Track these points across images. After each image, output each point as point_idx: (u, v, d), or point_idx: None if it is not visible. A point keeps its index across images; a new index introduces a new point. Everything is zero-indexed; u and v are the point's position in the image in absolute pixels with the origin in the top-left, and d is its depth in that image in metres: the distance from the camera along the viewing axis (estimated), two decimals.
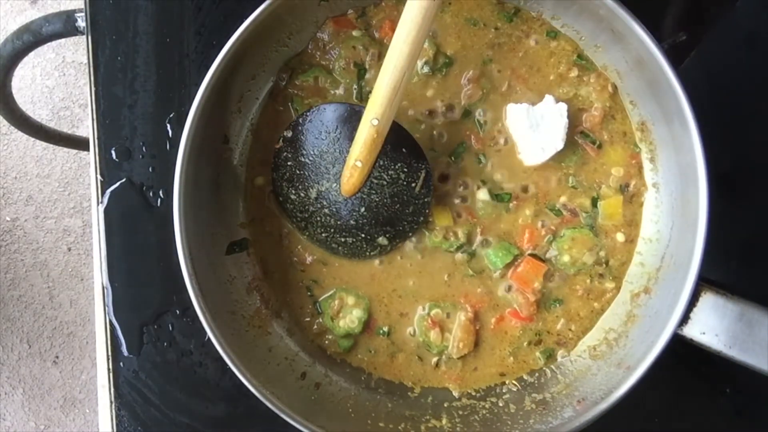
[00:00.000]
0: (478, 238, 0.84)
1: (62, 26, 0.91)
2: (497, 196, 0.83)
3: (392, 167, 0.80)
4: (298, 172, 0.82)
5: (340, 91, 0.84)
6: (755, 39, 0.93)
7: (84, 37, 0.88)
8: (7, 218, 2.06)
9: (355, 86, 0.84)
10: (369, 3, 0.84)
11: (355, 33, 0.84)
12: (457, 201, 0.84)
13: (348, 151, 0.78)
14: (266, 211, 0.86)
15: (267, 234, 0.85)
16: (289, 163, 0.83)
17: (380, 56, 0.83)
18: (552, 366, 0.84)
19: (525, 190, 0.84)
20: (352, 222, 0.82)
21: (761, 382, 0.72)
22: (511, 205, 0.84)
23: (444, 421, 0.81)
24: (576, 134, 0.84)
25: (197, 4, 0.88)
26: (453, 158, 0.84)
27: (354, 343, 0.85)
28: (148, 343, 0.87)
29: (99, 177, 0.87)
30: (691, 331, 0.72)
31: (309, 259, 0.85)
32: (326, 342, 0.85)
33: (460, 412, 0.82)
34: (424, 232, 0.84)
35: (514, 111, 0.82)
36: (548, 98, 0.81)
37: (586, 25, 0.80)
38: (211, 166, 0.81)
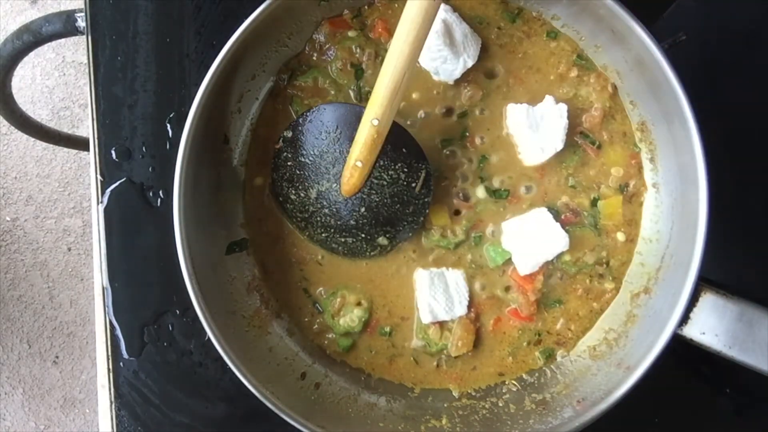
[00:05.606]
0: (476, 235, 0.84)
1: (62, 26, 0.91)
2: (495, 192, 0.83)
3: (392, 167, 0.79)
4: (298, 172, 0.82)
5: (339, 92, 0.84)
6: (755, 39, 0.93)
7: (84, 37, 0.88)
8: (7, 218, 2.06)
9: (353, 87, 0.84)
10: (364, 3, 0.84)
11: (350, 33, 0.84)
12: (455, 200, 0.84)
13: (348, 152, 0.78)
14: (266, 211, 0.86)
15: (266, 234, 0.85)
16: (289, 163, 0.83)
17: (376, 56, 0.83)
18: (552, 366, 0.84)
19: (525, 189, 0.84)
20: (352, 222, 0.82)
21: (761, 382, 0.72)
22: (510, 203, 0.84)
23: (444, 421, 0.81)
24: (576, 134, 0.84)
25: (197, 4, 0.88)
26: (452, 158, 0.84)
27: (353, 343, 0.85)
28: (149, 344, 0.87)
29: (99, 177, 0.87)
30: (691, 331, 0.72)
31: (308, 258, 0.85)
32: (326, 342, 0.85)
33: (460, 412, 0.82)
34: (421, 231, 0.84)
35: (514, 111, 0.82)
36: (548, 98, 0.81)
37: (586, 25, 0.80)
38: (211, 166, 0.81)
